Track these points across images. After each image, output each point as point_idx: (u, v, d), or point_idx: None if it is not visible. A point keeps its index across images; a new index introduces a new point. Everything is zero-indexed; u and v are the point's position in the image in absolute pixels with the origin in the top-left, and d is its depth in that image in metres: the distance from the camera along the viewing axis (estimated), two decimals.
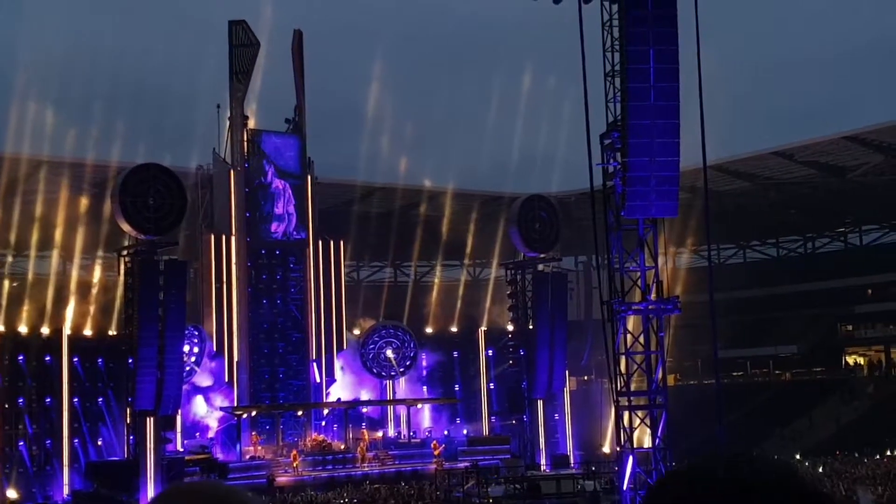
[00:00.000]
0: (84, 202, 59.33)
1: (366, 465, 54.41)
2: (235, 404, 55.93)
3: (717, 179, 62.86)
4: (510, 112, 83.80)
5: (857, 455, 55.20)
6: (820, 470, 47.22)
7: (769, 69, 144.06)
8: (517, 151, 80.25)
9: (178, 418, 52.52)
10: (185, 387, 52.05)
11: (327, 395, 59.44)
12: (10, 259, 65.90)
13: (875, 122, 63.87)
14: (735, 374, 74.76)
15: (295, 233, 59.58)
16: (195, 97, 72.82)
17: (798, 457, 55.67)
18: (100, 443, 52.42)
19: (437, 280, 77.07)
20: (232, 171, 57.79)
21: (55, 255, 62.39)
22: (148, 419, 47.95)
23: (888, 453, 56.26)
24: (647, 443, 34.03)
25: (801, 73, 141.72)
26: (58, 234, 59.71)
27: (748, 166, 68.95)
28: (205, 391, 56.05)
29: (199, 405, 55.82)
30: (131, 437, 49.30)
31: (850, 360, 78.24)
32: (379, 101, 77.19)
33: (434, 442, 57.11)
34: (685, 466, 1.51)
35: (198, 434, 55.43)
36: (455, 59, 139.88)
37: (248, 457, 53.76)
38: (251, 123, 59.06)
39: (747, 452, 1.52)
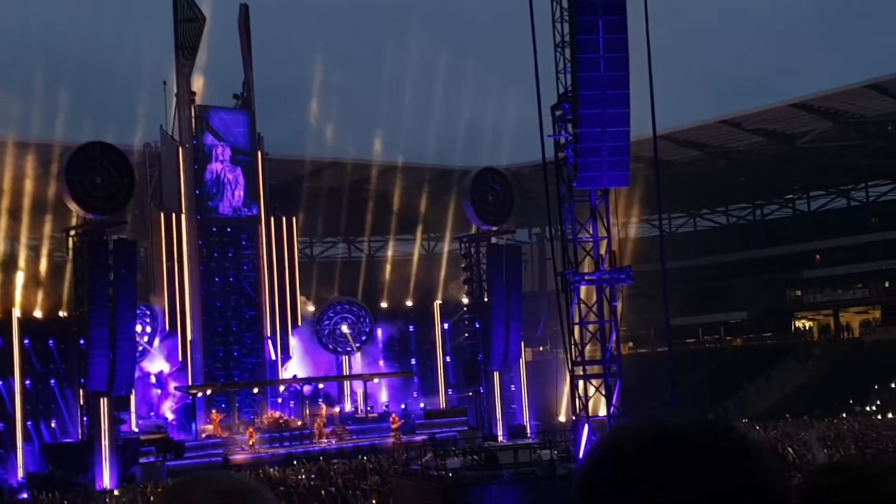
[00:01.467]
0: (28, 181, 58.43)
1: (323, 440, 54.43)
2: (190, 383, 55.62)
3: (666, 149, 63.16)
4: (457, 84, 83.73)
5: (806, 418, 56.14)
6: (772, 433, 47.93)
7: (717, 37, 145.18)
8: (465, 124, 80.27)
9: (133, 399, 52.17)
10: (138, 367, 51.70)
11: (284, 370, 59.31)
12: None
13: (823, 89, 64.56)
14: (687, 341, 75.57)
15: (246, 210, 59.15)
16: (140, 73, 71.95)
17: (749, 420, 56.49)
18: (53, 425, 51.93)
19: (390, 255, 77.08)
20: (180, 148, 57.19)
21: (1, 235, 61.49)
22: (101, 400, 47.57)
23: (841, 416, 57.17)
24: (603, 411, 34.34)
25: (748, 41, 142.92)
26: (3, 215, 58.81)
27: (697, 135, 69.42)
28: (158, 376, 55.61)
29: (153, 387, 55.46)
30: (85, 419, 48.89)
31: (800, 324, 79.41)
32: (324, 76, 76.65)
33: (393, 415, 57.24)
34: (615, 438, 1.49)
35: (152, 413, 55.12)
36: (400, 30, 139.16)
37: (204, 435, 53.55)
38: (198, 99, 58.45)
39: (684, 415, 1.51)
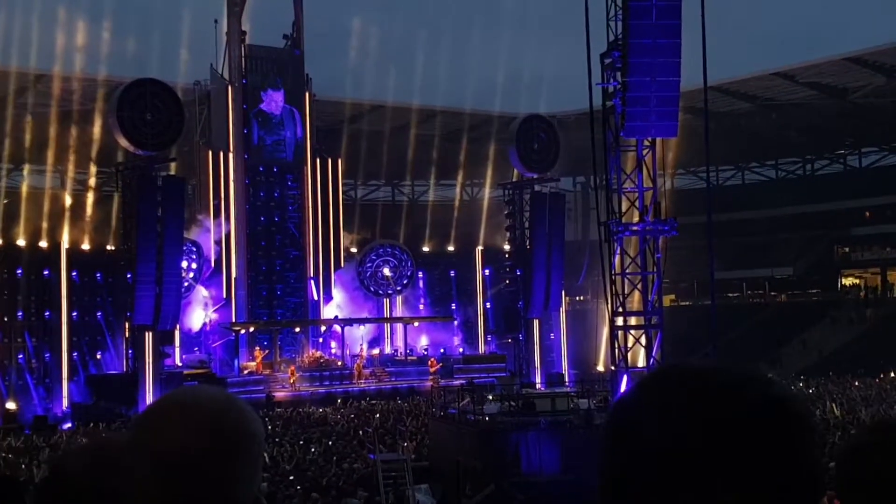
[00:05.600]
0: (75, 116, 58.99)
1: (362, 381, 54.90)
2: (233, 320, 56.27)
3: (717, 100, 62.49)
4: (499, 31, 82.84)
5: (849, 376, 55.66)
6: (812, 390, 47.67)
7: None
8: (504, 70, 79.70)
9: (177, 333, 52.93)
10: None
11: (325, 310, 59.77)
12: (4, 173, 65.72)
13: (878, 43, 63.33)
14: (730, 295, 75.12)
15: (292, 150, 59.39)
16: (189, 11, 71.79)
17: (791, 377, 56.18)
18: (98, 356, 52.85)
19: (431, 199, 77.21)
20: (229, 87, 57.36)
21: (49, 168, 62.25)
22: (146, 334, 48.29)
23: (882, 375, 56.58)
24: (642, 362, 34.35)
25: None
26: (51, 148, 59.47)
27: (749, 87, 68.50)
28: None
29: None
30: (130, 351, 49.68)
31: (847, 282, 78.58)
32: (364, 19, 76.14)
33: (431, 359, 57.57)
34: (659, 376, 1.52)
35: (196, 349, 55.88)
36: None
37: (246, 372, 54.23)
38: (248, 39, 58.46)
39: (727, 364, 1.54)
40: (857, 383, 52.02)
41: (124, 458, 1.85)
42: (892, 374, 56.78)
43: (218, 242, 56.57)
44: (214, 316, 56.53)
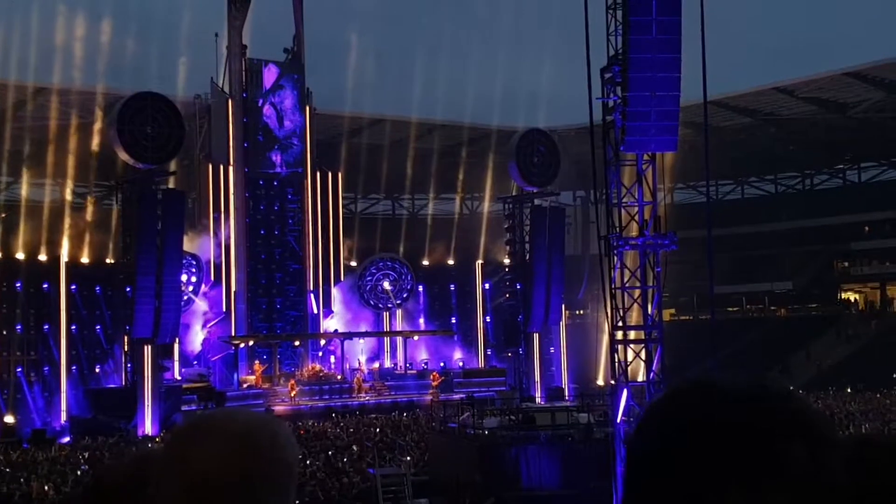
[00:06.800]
0: (73, 129, 59.02)
1: (362, 395, 54.85)
2: (233, 334, 56.20)
3: (717, 115, 62.56)
4: (497, 45, 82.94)
5: (849, 391, 55.62)
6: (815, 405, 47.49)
7: (771, 4, 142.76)
8: (503, 84, 79.82)
9: (176, 347, 52.86)
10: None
11: (325, 324, 59.71)
12: (3, 186, 65.71)
13: (877, 58, 63.43)
14: (730, 309, 75.05)
15: (292, 164, 59.44)
16: (189, 25, 72.03)
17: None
18: (97, 370, 52.77)
19: (430, 213, 77.22)
20: (230, 101, 57.43)
21: (48, 181, 62.26)
22: (146, 347, 48.21)
23: (885, 391, 56.48)
24: (642, 376, 34.20)
25: (803, 8, 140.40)
26: (50, 161, 59.48)
27: (748, 102, 68.56)
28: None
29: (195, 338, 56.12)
30: (129, 365, 49.59)
31: (846, 296, 78.54)
32: (362, 33, 76.43)
33: (434, 373, 57.48)
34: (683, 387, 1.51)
35: (195, 363, 55.80)
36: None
37: (245, 386, 54.16)
38: (249, 52, 58.56)
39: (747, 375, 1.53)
40: (856, 398, 51.98)
41: (156, 474, 1.84)
42: (885, 390, 56.70)
43: (219, 246, 56.53)
44: (213, 329, 56.47)
